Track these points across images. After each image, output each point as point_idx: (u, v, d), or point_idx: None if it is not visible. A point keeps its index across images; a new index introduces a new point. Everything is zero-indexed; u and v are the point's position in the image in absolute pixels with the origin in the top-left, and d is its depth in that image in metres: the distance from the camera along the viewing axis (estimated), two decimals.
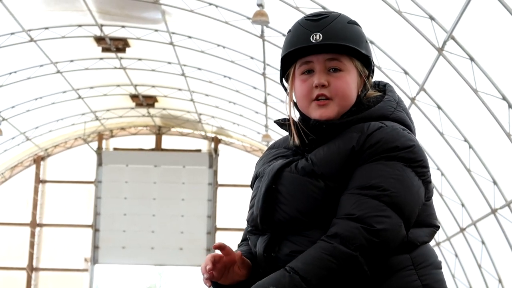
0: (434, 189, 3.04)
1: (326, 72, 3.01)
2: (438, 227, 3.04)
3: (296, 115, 3.13)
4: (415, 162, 2.89)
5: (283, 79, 3.19)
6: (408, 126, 3.05)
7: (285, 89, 3.17)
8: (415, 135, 3.02)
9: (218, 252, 3.01)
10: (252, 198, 3.10)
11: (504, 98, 13.25)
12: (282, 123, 3.15)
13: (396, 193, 2.80)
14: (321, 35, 2.98)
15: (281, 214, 2.94)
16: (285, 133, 3.22)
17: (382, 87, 3.18)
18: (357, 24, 3.08)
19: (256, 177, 3.17)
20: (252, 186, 3.20)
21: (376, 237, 2.73)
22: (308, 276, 2.71)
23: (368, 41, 3.12)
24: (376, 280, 2.82)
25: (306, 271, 2.72)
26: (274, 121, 3.25)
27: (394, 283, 2.83)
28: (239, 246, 3.26)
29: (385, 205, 2.78)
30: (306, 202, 2.89)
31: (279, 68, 3.20)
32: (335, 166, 2.89)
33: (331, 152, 2.93)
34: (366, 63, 3.09)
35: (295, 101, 3.13)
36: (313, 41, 2.99)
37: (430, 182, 2.95)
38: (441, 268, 2.99)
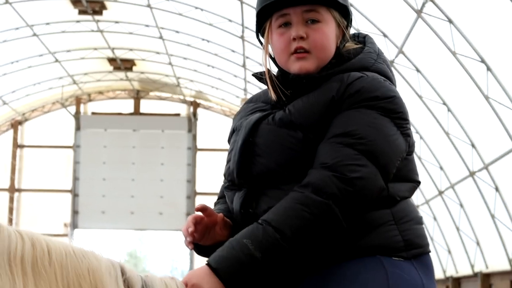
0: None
1: (303, 24, 2.95)
2: (419, 183, 2.99)
3: (274, 70, 3.07)
4: (395, 113, 2.83)
5: (259, 34, 3.11)
6: (389, 78, 2.99)
7: (262, 44, 3.10)
8: (395, 87, 2.96)
9: (199, 213, 2.95)
10: (229, 153, 3.05)
11: (482, 61, 13.24)
12: (261, 77, 3.09)
13: (372, 141, 2.76)
14: None
15: (258, 166, 2.89)
16: (264, 87, 3.15)
17: (362, 39, 3.12)
18: None
19: (233, 132, 3.12)
20: (229, 141, 3.13)
21: (350, 186, 2.68)
22: (281, 227, 2.66)
23: None
24: (356, 235, 2.78)
25: (279, 221, 2.67)
26: (252, 74, 3.19)
27: (375, 239, 2.79)
28: (215, 204, 3.21)
29: (359, 154, 2.74)
30: (284, 153, 2.85)
31: (255, 35, 3.12)
32: (314, 117, 2.84)
33: (310, 103, 2.88)
34: (344, 13, 3.02)
35: (272, 56, 3.06)
36: None
37: (409, 135, 2.89)
38: (422, 224, 2.94)
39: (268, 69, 3.04)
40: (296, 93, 2.96)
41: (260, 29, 3.09)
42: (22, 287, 2.37)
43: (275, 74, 3.05)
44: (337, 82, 2.87)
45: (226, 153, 3.13)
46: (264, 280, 2.71)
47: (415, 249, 2.85)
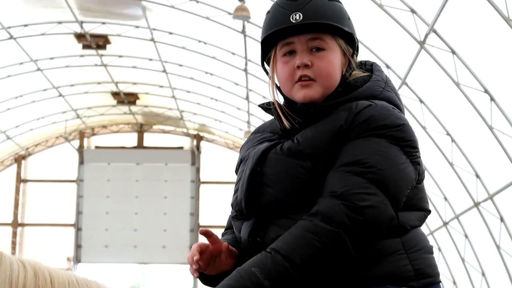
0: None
1: (308, 52, 2.93)
2: (430, 211, 2.98)
3: (280, 99, 3.05)
4: (404, 141, 2.82)
5: (265, 63, 3.10)
6: (398, 106, 2.98)
7: (267, 73, 3.08)
8: (404, 115, 2.95)
9: (204, 241, 2.94)
10: (237, 183, 3.03)
11: (486, 91, 13.25)
12: (267, 107, 3.08)
13: (381, 170, 2.73)
14: (301, 14, 2.90)
15: (266, 196, 2.87)
16: (269, 118, 3.16)
17: (369, 67, 3.10)
18: (338, 1, 3.01)
19: (241, 162, 3.09)
20: (237, 171, 3.11)
21: (359, 215, 2.66)
22: (290, 255, 2.64)
23: (351, 18, 3.04)
24: (366, 264, 2.76)
25: (288, 250, 2.65)
26: (259, 105, 3.17)
27: (385, 268, 2.77)
28: (223, 234, 3.19)
29: (369, 182, 2.71)
30: (293, 183, 2.82)
31: (260, 64, 3.13)
32: (323, 146, 2.82)
33: (318, 132, 2.86)
34: (350, 41, 3.01)
35: (278, 85, 3.05)
36: (293, 21, 2.90)
37: (419, 163, 2.87)
38: (432, 253, 2.93)
39: (275, 99, 3.02)
40: (304, 122, 2.94)
41: (265, 58, 3.08)
42: None
43: (281, 103, 3.03)
44: (346, 111, 2.86)
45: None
46: None
47: (426, 278, 2.83)
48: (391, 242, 2.80)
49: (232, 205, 3.05)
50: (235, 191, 3.03)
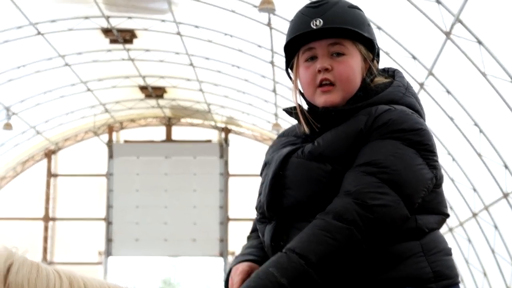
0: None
1: (329, 56, 3.01)
2: (448, 215, 3.01)
3: (303, 104, 3.14)
4: (421, 145, 2.85)
5: (289, 69, 3.19)
6: (418, 111, 3.02)
7: (291, 79, 3.17)
8: (424, 121, 2.98)
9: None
10: (261, 186, 3.11)
11: None
12: (291, 111, 3.15)
13: (395, 170, 2.78)
14: (321, 20, 2.98)
15: (288, 199, 2.94)
16: (295, 122, 3.21)
17: (391, 73, 3.16)
18: (358, 9, 3.07)
19: (265, 165, 3.17)
20: (261, 174, 3.19)
21: (370, 213, 2.71)
22: (305, 253, 2.69)
23: (371, 25, 3.10)
24: (385, 267, 2.80)
25: (302, 248, 2.70)
26: (283, 109, 3.25)
27: (404, 270, 2.81)
28: (248, 238, 3.27)
29: (381, 182, 2.76)
30: (313, 186, 2.89)
31: (285, 70, 3.20)
32: (342, 149, 2.89)
33: (338, 135, 2.92)
34: (370, 46, 3.07)
35: (301, 91, 3.13)
36: (314, 26, 2.99)
37: (436, 167, 2.90)
38: (451, 255, 2.96)
39: (298, 103, 3.10)
40: (326, 126, 3.01)
41: (289, 65, 3.15)
42: None
43: (305, 108, 3.11)
44: (365, 115, 2.92)
45: (258, 178, 3.18)
46: None
47: (445, 280, 2.86)
48: (410, 244, 2.84)
49: (256, 208, 3.13)
50: (259, 194, 3.10)
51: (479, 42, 13.35)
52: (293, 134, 3.20)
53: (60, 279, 2.47)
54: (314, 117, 3.03)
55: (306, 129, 3.06)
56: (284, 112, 3.22)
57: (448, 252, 2.93)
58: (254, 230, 3.25)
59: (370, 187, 2.75)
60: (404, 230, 2.81)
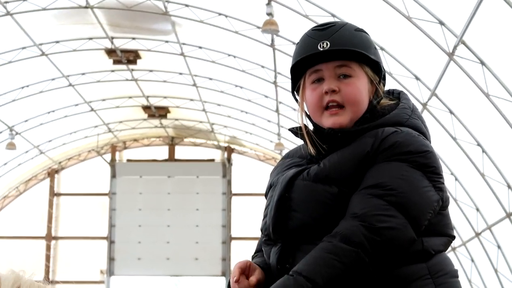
0: (448, 195, 3.01)
1: (336, 78, 3.00)
2: (454, 237, 3.00)
3: (309, 125, 3.12)
4: (428, 167, 2.85)
5: (295, 91, 3.18)
6: (424, 133, 3.01)
7: (297, 101, 3.16)
8: (430, 143, 2.98)
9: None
10: (266, 208, 3.08)
11: None
12: (296, 132, 3.13)
13: (402, 193, 2.77)
14: (328, 42, 2.98)
15: (294, 221, 2.92)
16: (298, 141, 3.20)
17: (397, 95, 3.16)
18: (365, 32, 3.08)
19: (270, 187, 3.15)
20: (266, 195, 3.17)
21: (377, 236, 2.70)
22: (312, 276, 2.68)
23: (377, 48, 3.10)
24: None
25: (309, 271, 2.69)
26: (289, 129, 3.23)
27: None
28: (253, 257, 3.24)
29: (388, 204, 2.75)
30: (319, 208, 2.87)
31: (289, 76, 3.19)
32: (349, 171, 2.87)
33: (345, 157, 2.91)
34: (376, 69, 3.07)
35: (307, 112, 3.11)
36: (321, 48, 2.98)
37: (442, 190, 2.90)
38: (457, 277, 2.95)
39: (304, 124, 3.08)
40: (332, 147, 3.00)
41: (295, 87, 3.15)
42: None
43: (311, 129, 3.09)
44: (372, 137, 2.91)
45: (261, 197, 3.18)
46: None
47: None
48: (417, 267, 2.83)
49: (261, 230, 3.11)
50: (264, 216, 3.08)
51: (482, 63, 13.39)
52: (298, 155, 3.19)
53: None
54: (320, 138, 3.01)
55: (312, 150, 3.03)
56: (289, 132, 3.21)
57: (454, 274, 2.92)
58: (258, 251, 3.22)
59: (377, 209, 2.74)
60: (410, 252, 2.79)
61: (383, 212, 2.73)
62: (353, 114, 3.00)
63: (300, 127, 3.12)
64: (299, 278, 2.68)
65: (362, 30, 3.07)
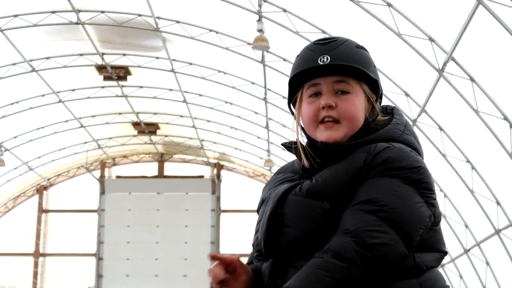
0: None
1: (333, 94, 2.99)
2: (446, 253, 3.00)
3: (303, 140, 3.10)
4: (420, 183, 2.84)
5: (291, 104, 3.16)
6: (416, 149, 3.01)
7: (293, 114, 3.14)
8: (423, 159, 2.97)
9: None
10: (258, 223, 3.06)
11: (505, 118, 13.27)
12: (289, 146, 3.11)
13: (394, 209, 2.76)
14: (329, 57, 2.97)
15: (286, 237, 2.90)
16: (287, 158, 3.21)
17: (390, 111, 3.15)
18: (365, 49, 3.08)
19: (262, 202, 3.13)
20: (258, 211, 3.15)
21: (369, 252, 2.69)
22: None
23: (376, 66, 3.11)
24: None
25: (301, 287, 2.67)
26: (282, 144, 3.20)
27: None
28: None
29: (380, 220, 2.74)
30: (312, 223, 2.85)
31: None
32: (342, 186, 2.86)
33: (337, 173, 2.90)
34: (374, 87, 3.07)
35: (302, 126, 3.10)
36: (321, 63, 2.97)
37: (434, 206, 2.88)
38: None
39: (298, 138, 3.07)
40: (325, 162, 2.98)
41: (292, 100, 3.13)
42: None
43: (304, 143, 3.07)
44: (364, 152, 2.89)
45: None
46: None
47: None
48: (409, 283, 2.81)
49: (252, 245, 3.10)
50: (256, 232, 3.06)
51: (472, 80, 13.46)
52: (291, 170, 3.17)
53: None
54: (313, 152, 2.99)
55: (306, 163, 3.01)
56: (279, 148, 3.20)
57: None
58: (250, 263, 3.17)
59: (369, 225, 2.72)
60: (402, 268, 2.77)
61: (375, 228, 2.72)
62: (349, 130, 2.98)
63: (293, 142, 3.10)
64: None
65: (363, 48, 3.07)
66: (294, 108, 3.13)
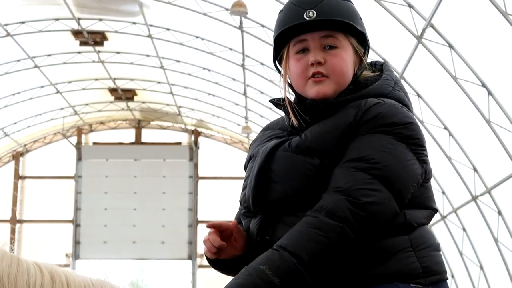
0: None
1: (321, 49, 2.95)
2: (436, 210, 2.99)
3: (291, 97, 3.07)
4: (412, 139, 2.83)
5: (277, 62, 3.12)
6: (407, 105, 2.99)
7: (279, 71, 3.10)
8: (412, 114, 2.96)
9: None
10: (245, 180, 3.04)
11: (483, 85, 13.29)
12: (277, 103, 3.08)
13: (386, 166, 2.74)
14: (315, 12, 2.92)
15: (274, 193, 2.88)
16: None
17: (379, 67, 3.13)
18: (350, 1, 3.03)
19: (250, 159, 3.10)
20: (245, 168, 3.13)
21: (362, 211, 2.67)
22: (297, 251, 2.64)
23: (362, 18, 3.06)
24: (374, 262, 2.77)
25: (294, 246, 2.66)
26: (269, 100, 3.18)
27: (393, 265, 2.78)
28: None
29: (373, 178, 2.72)
30: (300, 180, 2.83)
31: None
32: (331, 142, 2.84)
33: (327, 128, 2.87)
34: (361, 40, 3.03)
35: (290, 83, 3.06)
36: (307, 18, 2.92)
37: (426, 162, 2.88)
38: (439, 250, 2.93)
39: (286, 96, 3.04)
40: (314, 118, 2.96)
41: (278, 57, 3.09)
42: None
43: (292, 100, 3.05)
44: (354, 108, 2.87)
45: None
46: None
47: (433, 276, 2.84)
48: (399, 239, 2.81)
49: (240, 202, 3.07)
50: (244, 188, 3.03)
51: (450, 46, 13.45)
52: (279, 127, 3.14)
53: (41, 273, 2.41)
54: (302, 110, 2.96)
55: (295, 122, 2.98)
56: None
57: (436, 248, 2.90)
58: (237, 223, 3.16)
59: (361, 183, 2.70)
60: (393, 225, 2.77)
61: (368, 186, 2.70)
62: (338, 85, 2.95)
63: (281, 98, 3.07)
64: (284, 253, 2.65)
65: (348, 0, 3.02)
66: (280, 66, 3.08)
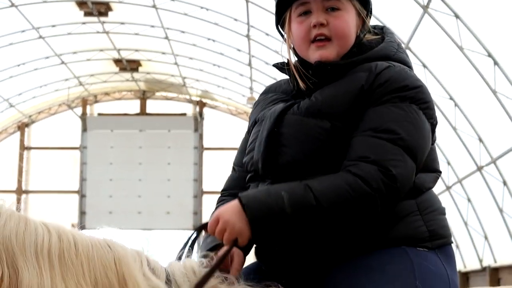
0: None
1: (324, 11, 2.94)
2: (441, 172, 3.01)
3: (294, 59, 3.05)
4: (424, 103, 2.83)
5: (279, 26, 3.11)
6: (410, 67, 3.00)
7: (282, 35, 3.09)
8: None
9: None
10: (250, 143, 3.03)
11: (489, 55, 13.24)
12: (282, 67, 3.08)
13: (410, 137, 2.75)
14: None
15: (284, 157, 2.87)
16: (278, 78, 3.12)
17: (379, 31, 3.13)
18: None
19: (255, 123, 3.09)
20: (249, 132, 3.11)
21: (393, 182, 2.69)
22: (320, 197, 2.66)
23: None
24: (382, 226, 2.80)
25: (321, 192, 2.67)
26: (273, 65, 3.18)
27: (401, 229, 2.81)
28: (220, 199, 3.17)
29: (400, 149, 2.73)
30: (311, 143, 2.83)
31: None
32: (343, 106, 2.83)
33: (338, 91, 2.86)
34: (364, 2, 3.02)
35: (293, 47, 3.05)
36: None
37: (434, 124, 2.90)
38: (445, 214, 2.95)
39: (290, 59, 3.02)
40: (320, 81, 2.94)
41: (280, 20, 3.08)
42: (50, 279, 2.38)
43: (297, 63, 3.03)
44: (365, 71, 2.87)
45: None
46: (284, 242, 2.74)
47: (439, 239, 2.87)
48: (407, 203, 2.83)
49: (245, 165, 3.05)
50: (249, 151, 3.02)
51: (457, 16, 13.38)
52: (281, 90, 3.13)
53: (49, 233, 2.44)
54: (308, 72, 2.95)
55: (302, 85, 2.96)
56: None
57: (442, 212, 2.93)
58: (226, 189, 3.19)
59: (390, 154, 2.71)
60: None
61: (396, 157, 2.71)
62: (340, 48, 2.95)
63: (285, 63, 3.06)
64: (309, 192, 2.67)
65: None
66: (283, 30, 3.07)
